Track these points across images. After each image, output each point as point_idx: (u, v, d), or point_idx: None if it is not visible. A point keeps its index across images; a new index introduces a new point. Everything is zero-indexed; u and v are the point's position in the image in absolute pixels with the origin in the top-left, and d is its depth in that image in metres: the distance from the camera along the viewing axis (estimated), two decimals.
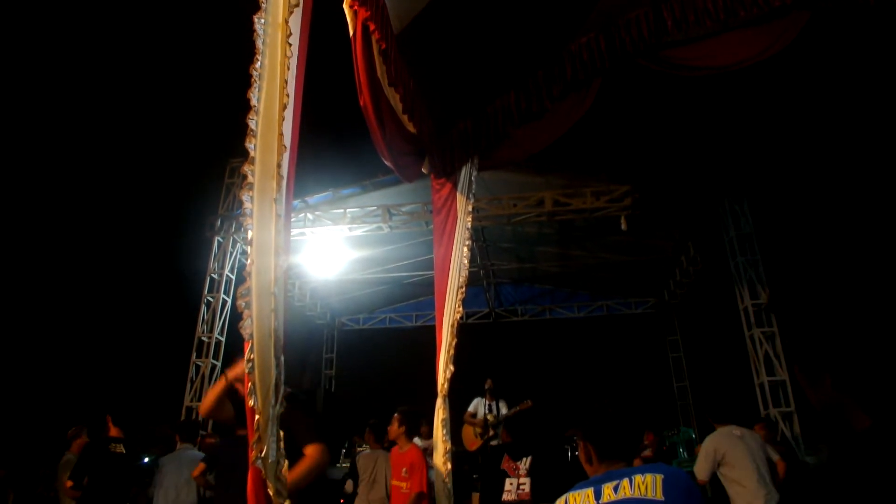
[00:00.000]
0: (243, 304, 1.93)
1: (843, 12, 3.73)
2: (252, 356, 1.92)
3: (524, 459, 5.66)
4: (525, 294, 13.15)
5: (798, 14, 3.70)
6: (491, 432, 7.79)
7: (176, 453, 5.30)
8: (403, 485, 4.60)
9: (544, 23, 3.94)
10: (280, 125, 2.02)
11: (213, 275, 8.78)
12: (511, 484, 5.59)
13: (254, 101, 2.03)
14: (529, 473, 5.58)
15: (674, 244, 9.93)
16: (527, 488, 5.52)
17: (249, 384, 1.94)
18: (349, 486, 5.93)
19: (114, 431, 4.87)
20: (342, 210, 8.79)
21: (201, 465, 4.83)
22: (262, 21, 2.08)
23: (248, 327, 1.92)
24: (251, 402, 1.94)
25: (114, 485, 4.60)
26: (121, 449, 4.72)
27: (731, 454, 4.30)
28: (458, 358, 4.30)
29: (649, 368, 12.24)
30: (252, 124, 2.02)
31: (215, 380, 8.40)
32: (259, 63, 2.06)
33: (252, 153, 2.02)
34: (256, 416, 1.94)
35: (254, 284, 1.94)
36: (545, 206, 8.25)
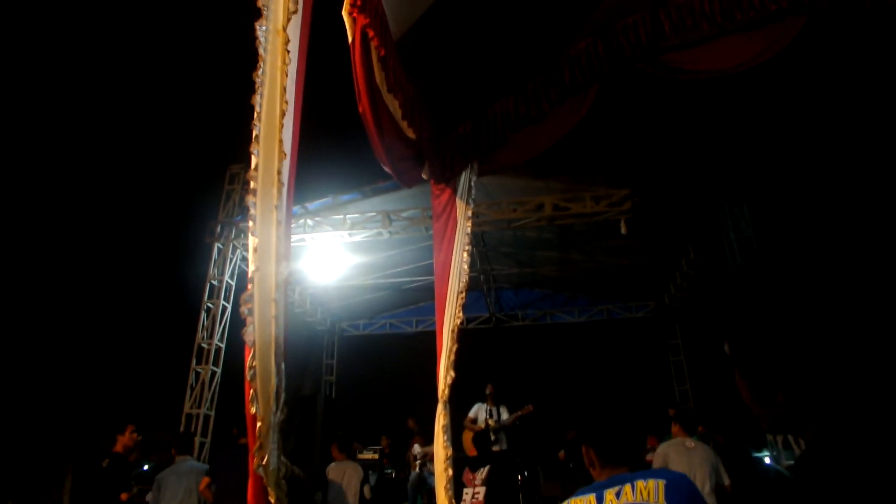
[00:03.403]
0: (246, 310, 1.92)
1: (839, 15, 3.75)
2: (254, 363, 1.91)
3: (481, 470, 5.91)
4: (525, 298, 13.13)
5: (794, 17, 3.72)
6: (492, 437, 7.77)
7: (174, 467, 5.21)
8: None
9: (543, 28, 3.95)
10: (280, 132, 2.02)
11: (212, 281, 8.76)
12: (467, 494, 5.84)
13: (257, 108, 2.04)
14: (485, 483, 5.82)
15: (674, 248, 9.93)
16: (481, 496, 5.77)
17: (251, 391, 1.93)
18: (318, 497, 5.99)
19: (125, 440, 4.95)
20: (342, 216, 8.78)
21: (206, 479, 4.80)
22: (264, 28, 2.09)
23: (251, 334, 1.91)
24: (252, 410, 1.93)
25: (100, 496, 4.67)
26: (105, 462, 4.77)
27: (672, 461, 4.40)
28: (458, 363, 4.30)
29: (650, 372, 12.22)
30: (255, 130, 2.03)
31: (215, 387, 8.40)
32: (261, 70, 2.06)
33: (255, 159, 2.02)
34: (258, 424, 1.93)
35: (256, 291, 1.94)
36: (545, 210, 8.25)
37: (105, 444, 4.89)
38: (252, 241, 1.98)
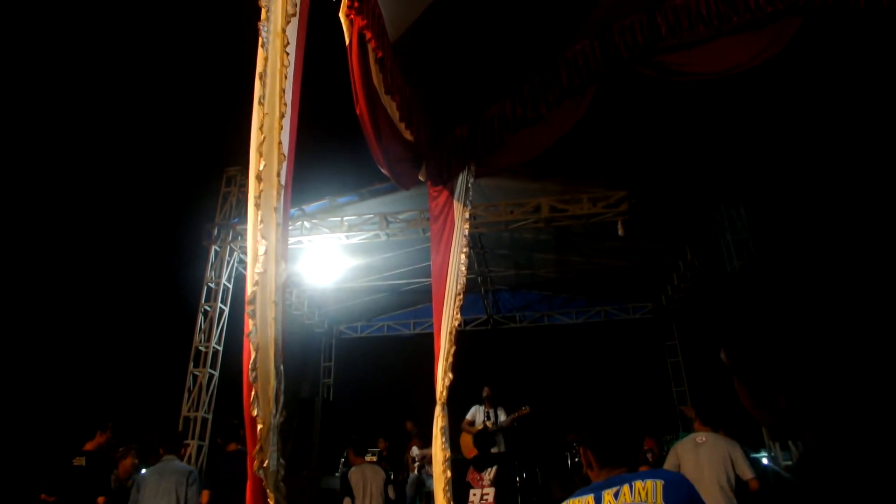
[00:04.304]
0: (250, 311, 1.91)
1: (835, 16, 3.76)
2: (255, 365, 1.90)
3: (489, 470, 5.84)
4: (523, 300, 13.13)
5: (791, 19, 3.73)
6: None
7: (157, 466, 5.08)
8: None
9: (540, 30, 3.96)
10: (279, 134, 2.02)
11: (209, 284, 8.73)
12: (475, 495, 5.76)
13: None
14: (494, 483, 5.76)
15: (671, 249, 9.94)
16: (490, 498, 5.70)
17: (252, 394, 1.92)
18: (347, 503, 5.94)
19: (99, 440, 4.91)
20: (339, 218, 8.77)
21: (206, 493, 4.73)
22: (266, 29, 2.08)
23: (255, 336, 1.90)
24: (253, 412, 1.92)
25: (74, 498, 4.61)
26: (80, 461, 4.71)
27: (683, 460, 4.34)
28: (456, 365, 4.29)
29: (648, 373, 12.22)
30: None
31: (212, 390, 8.37)
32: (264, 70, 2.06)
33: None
34: (259, 426, 1.92)
35: (259, 294, 1.93)
36: (542, 212, 8.25)
37: (75, 443, 4.87)
38: (255, 244, 1.97)
